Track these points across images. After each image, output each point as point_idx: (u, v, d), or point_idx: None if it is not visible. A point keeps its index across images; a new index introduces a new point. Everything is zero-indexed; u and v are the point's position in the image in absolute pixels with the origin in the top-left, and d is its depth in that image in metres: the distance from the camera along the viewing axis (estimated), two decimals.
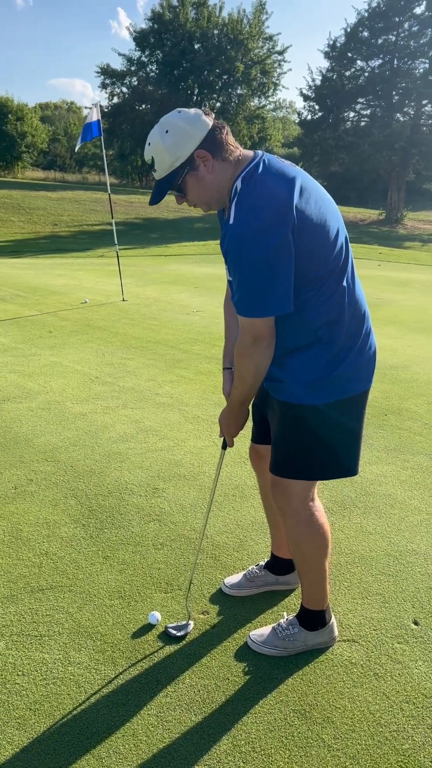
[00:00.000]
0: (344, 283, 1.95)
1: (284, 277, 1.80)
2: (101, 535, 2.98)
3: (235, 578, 2.62)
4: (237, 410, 2.13)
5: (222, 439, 2.29)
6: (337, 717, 1.99)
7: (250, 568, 2.65)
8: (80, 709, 2.01)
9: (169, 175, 1.90)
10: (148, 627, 2.38)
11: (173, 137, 1.85)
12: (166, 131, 1.86)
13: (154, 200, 1.99)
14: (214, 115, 1.92)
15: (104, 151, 10.30)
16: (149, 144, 1.91)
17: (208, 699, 2.05)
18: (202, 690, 2.09)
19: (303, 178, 1.89)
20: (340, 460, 2.11)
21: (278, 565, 2.59)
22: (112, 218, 10.44)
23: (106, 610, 2.47)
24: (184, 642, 2.31)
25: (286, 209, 1.76)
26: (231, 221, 1.80)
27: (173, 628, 2.35)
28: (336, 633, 2.32)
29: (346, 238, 1.99)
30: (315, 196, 1.88)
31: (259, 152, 1.94)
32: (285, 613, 2.44)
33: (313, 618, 2.27)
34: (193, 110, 1.89)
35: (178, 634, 2.33)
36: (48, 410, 4.64)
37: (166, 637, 2.32)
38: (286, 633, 2.26)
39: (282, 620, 2.32)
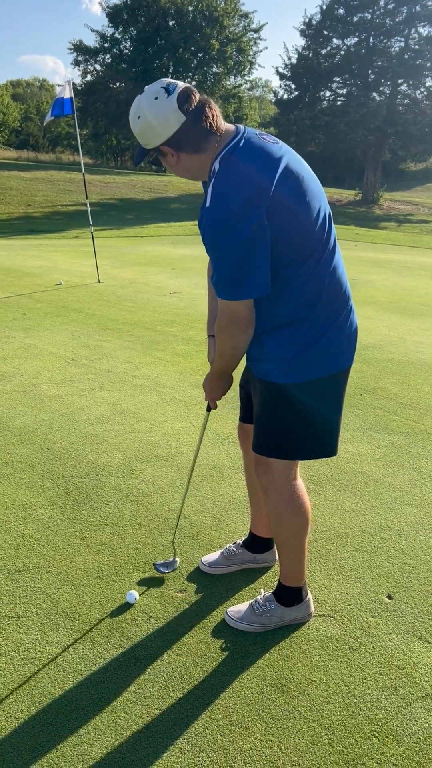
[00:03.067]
0: (324, 262, 1.94)
1: (260, 260, 1.79)
2: (78, 517, 2.98)
3: (212, 556, 2.64)
4: (218, 379, 2.19)
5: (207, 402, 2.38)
6: (312, 690, 2.03)
7: (227, 546, 2.67)
8: (58, 688, 2.02)
9: (143, 149, 1.92)
10: (126, 606, 2.39)
11: (141, 127, 1.85)
12: (138, 117, 1.84)
13: (136, 162, 2.01)
14: (197, 98, 1.82)
15: (78, 130, 10.12)
16: (130, 118, 1.90)
17: (186, 675, 2.08)
18: (180, 666, 2.12)
19: (286, 154, 1.86)
20: (318, 441, 2.12)
21: (256, 544, 2.62)
22: (87, 199, 10.30)
23: (83, 590, 2.48)
24: (162, 620, 2.33)
25: (261, 193, 1.75)
26: (207, 204, 1.79)
27: (161, 565, 2.53)
28: (312, 609, 2.36)
29: (329, 216, 1.97)
30: (297, 174, 1.85)
31: (241, 128, 1.90)
32: (262, 590, 2.47)
33: (290, 594, 2.30)
34: (171, 97, 1.79)
35: (166, 571, 2.52)
36: (23, 393, 4.60)
37: (144, 615, 2.34)
38: (263, 609, 2.29)
39: (259, 597, 2.35)
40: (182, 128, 1.81)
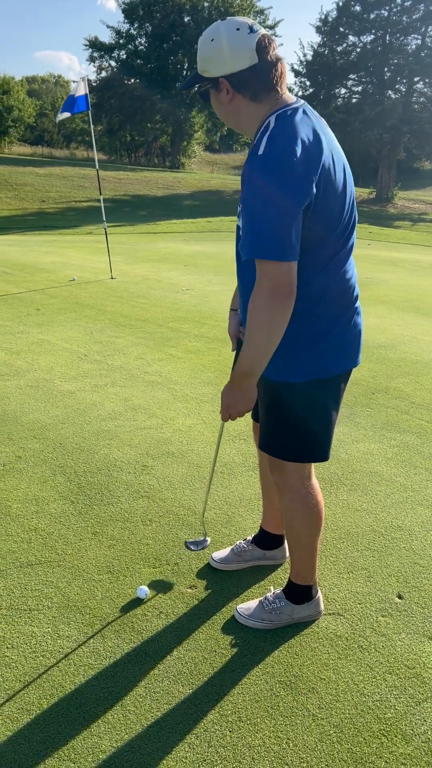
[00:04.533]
0: (339, 259, 1.90)
1: (299, 222, 1.69)
2: (90, 512, 3.00)
3: (222, 553, 2.65)
4: (239, 381, 1.88)
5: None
6: (321, 687, 2.04)
7: (237, 542, 2.67)
8: (69, 681, 2.04)
9: (197, 76, 1.84)
10: (137, 601, 2.41)
11: (211, 50, 1.77)
12: (212, 39, 1.77)
13: (182, 86, 1.94)
14: (274, 50, 1.77)
15: (92, 126, 10.15)
16: (201, 36, 1.83)
17: (195, 671, 2.09)
18: (190, 662, 2.13)
19: (337, 144, 1.84)
20: (309, 444, 2.07)
21: (266, 540, 2.62)
22: (101, 195, 10.33)
23: (95, 584, 2.50)
24: (172, 615, 2.34)
25: (315, 160, 1.70)
26: (260, 151, 1.69)
27: (192, 543, 2.58)
28: (322, 607, 2.36)
29: (354, 219, 1.93)
30: (338, 164, 1.82)
31: (301, 101, 1.85)
32: (272, 587, 2.48)
33: (300, 592, 2.30)
34: (253, 35, 1.74)
35: (195, 549, 2.57)
36: (36, 388, 4.63)
37: (155, 610, 2.35)
38: (273, 606, 2.29)
39: (269, 594, 2.35)
40: (250, 70, 1.76)
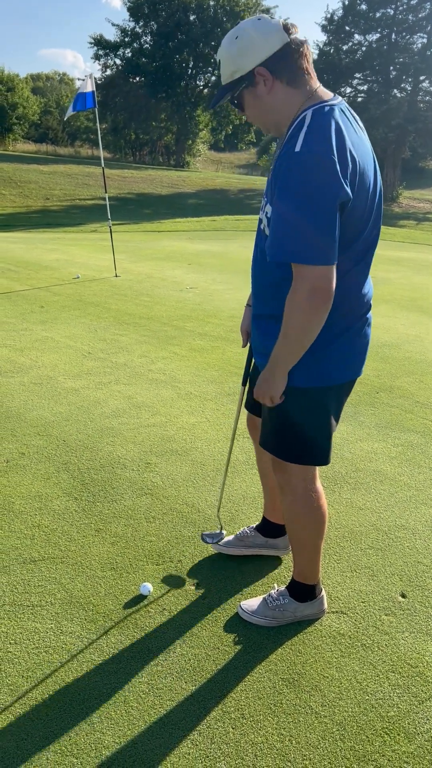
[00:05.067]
0: (360, 267, 1.88)
1: (337, 223, 1.64)
2: (93, 509, 3.00)
3: (226, 538, 2.68)
4: (272, 371, 1.90)
5: (242, 378, 2.38)
6: (324, 685, 2.04)
7: (242, 529, 2.71)
8: (72, 677, 2.04)
9: (229, 84, 1.81)
10: (140, 598, 2.41)
11: (240, 45, 1.74)
12: (237, 37, 1.75)
13: (212, 104, 1.90)
14: (298, 31, 1.75)
15: (98, 124, 10.15)
16: (222, 45, 1.81)
17: (198, 667, 2.09)
18: (193, 659, 2.13)
19: (367, 145, 1.82)
20: (313, 446, 2.06)
21: (269, 528, 2.65)
22: (106, 193, 10.33)
23: (98, 581, 2.50)
24: (175, 612, 2.34)
25: (351, 162, 1.67)
26: (298, 148, 1.64)
27: (208, 535, 2.60)
28: (325, 606, 2.36)
29: (377, 232, 1.90)
30: (369, 172, 1.79)
31: (339, 97, 1.82)
32: (275, 584, 2.48)
33: (303, 590, 2.30)
34: (275, 20, 1.75)
35: (211, 541, 2.59)
36: (40, 385, 4.64)
37: (158, 607, 2.36)
38: (276, 603, 2.29)
39: (273, 591, 2.35)
40: (283, 50, 1.72)
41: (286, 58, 1.74)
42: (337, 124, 1.68)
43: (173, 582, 2.50)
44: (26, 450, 3.59)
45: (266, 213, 1.88)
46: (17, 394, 4.45)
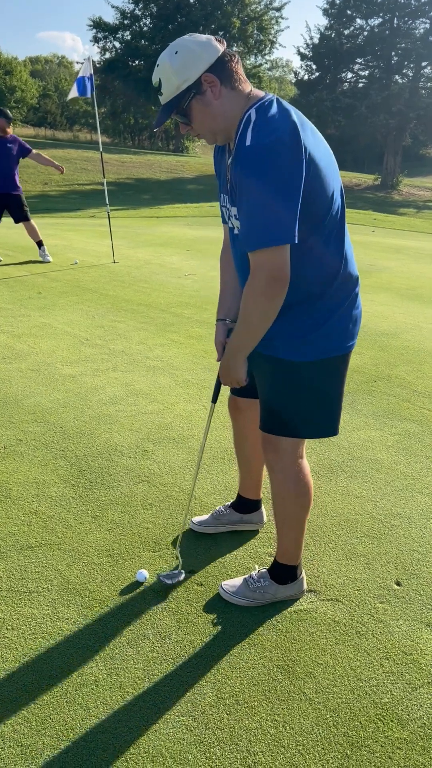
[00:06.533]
0: (342, 238, 1.98)
1: (296, 203, 1.75)
2: (90, 495, 3.01)
3: (203, 517, 2.78)
4: (232, 357, 2.05)
5: (213, 390, 2.38)
6: (319, 672, 2.05)
7: (217, 507, 2.79)
8: (68, 662, 2.06)
9: (175, 98, 1.87)
10: (136, 584, 2.42)
11: (182, 58, 1.82)
12: (176, 52, 1.83)
13: (157, 123, 1.97)
14: (225, 44, 1.88)
15: (96, 108, 10.05)
16: (158, 65, 1.87)
17: (193, 654, 2.10)
18: (188, 645, 2.14)
19: (311, 125, 1.90)
20: (324, 419, 2.16)
21: (243, 505, 2.74)
22: (104, 178, 10.25)
23: (94, 567, 2.51)
24: (170, 599, 2.35)
25: (300, 141, 1.76)
26: (248, 142, 1.76)
27: (165, 576, 2.43)
28: (305, 586, 2.40)
29: (342, 194, 2.00)
30: (320, 143, 1.90)
31: (270, 93, 1.91)
32: (257, 566, 2.50)
33: (284, 572, 2.34)
34: (204, 36, 1.87)
35: (170, 582, 2.40)
36: (37, 371, 4.63)
37: (154, 594, 2.37)
38: (257, 585, 2.33)
39: (254, 572, 2.40)
40: (222, 56, 1.84)
41: (225, 64, 1.85)
42: (280, 111, 1.79)
43: (169, 569, 2.51)
44: (23, 436, 3.58)
45: (234, 215, 2.00)
46: (15, 380, 4.44)
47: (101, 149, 10.25)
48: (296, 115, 1.83)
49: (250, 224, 1.80)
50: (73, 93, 9.02)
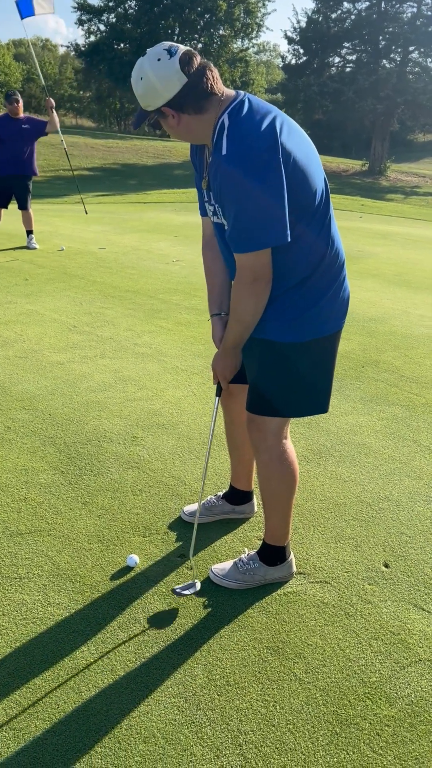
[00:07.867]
0: (328, 224, 2.03)
1: (281, 204, 1.82)
2: (80, 482, 3.01)
3: (193, 507, 2.77)
4: (231, 353, 2.19)
5: (216, 386, 2.34)
6: (308, 653, 2.08)
7: (208, 497, 2.79)
8: (59, 647, 2.07)
9: (144, 112, 1.93)
10: (127, 569, 2.43)
11: (144, 88, 1.87)
12: (141, 78, 1.87)
13: (135, 125, 2.03)
14: (198, 61, 1.86)
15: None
16: (132, 78, 1.92)
17: (184, 636, 2.12)
18: (179, 628, 2.16)
19: (283, 117, 1.92)
20: (315, 397, 2.22)
21: (235, 496, 2.75)
22: (69, 165, 10.12)
23: (85, 553, 2.52)
24: (161, 583, 2.36)
25: (276, 141, 1.81)
26: (224, 152, 1.81)
27: (180, 588, 2.26)
28: (294, 569, 2.42)
29: (325, 180, 2.05)
30: (295, 134, 1.93)
31: (241, 92, 1.95)
32: (246, 549, 2.52)
33: (273, 553, 2.37)
34: (173, 59, 1.82)
35: (185, 592, 2.24)
36: (25, 359, 4.60)
37: (144, 578, 2.38)
38: (247, 567, 2.36)
39: (243, 555, 2.42)
40: (184, 89, 1.84)
41: (188, 95, 1.85)
42: (251, 113, 1.84)
43: (160, 554, 2.52)
44: (12, 424, 3.57)
45: (219, 213, 2.02)
46: (2, 367, 4.41)
47: (61, 135, 10.06)
48: (268, 112, 1.87)
49: (237, 228, 1.87)
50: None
